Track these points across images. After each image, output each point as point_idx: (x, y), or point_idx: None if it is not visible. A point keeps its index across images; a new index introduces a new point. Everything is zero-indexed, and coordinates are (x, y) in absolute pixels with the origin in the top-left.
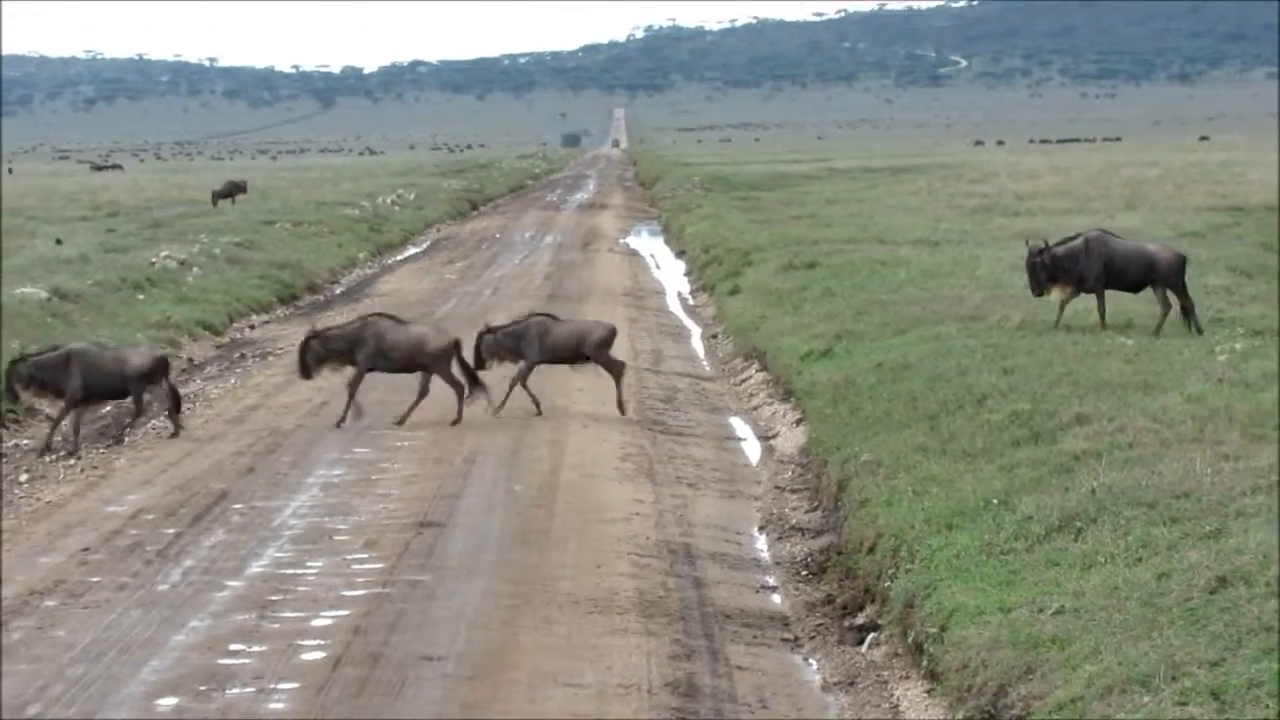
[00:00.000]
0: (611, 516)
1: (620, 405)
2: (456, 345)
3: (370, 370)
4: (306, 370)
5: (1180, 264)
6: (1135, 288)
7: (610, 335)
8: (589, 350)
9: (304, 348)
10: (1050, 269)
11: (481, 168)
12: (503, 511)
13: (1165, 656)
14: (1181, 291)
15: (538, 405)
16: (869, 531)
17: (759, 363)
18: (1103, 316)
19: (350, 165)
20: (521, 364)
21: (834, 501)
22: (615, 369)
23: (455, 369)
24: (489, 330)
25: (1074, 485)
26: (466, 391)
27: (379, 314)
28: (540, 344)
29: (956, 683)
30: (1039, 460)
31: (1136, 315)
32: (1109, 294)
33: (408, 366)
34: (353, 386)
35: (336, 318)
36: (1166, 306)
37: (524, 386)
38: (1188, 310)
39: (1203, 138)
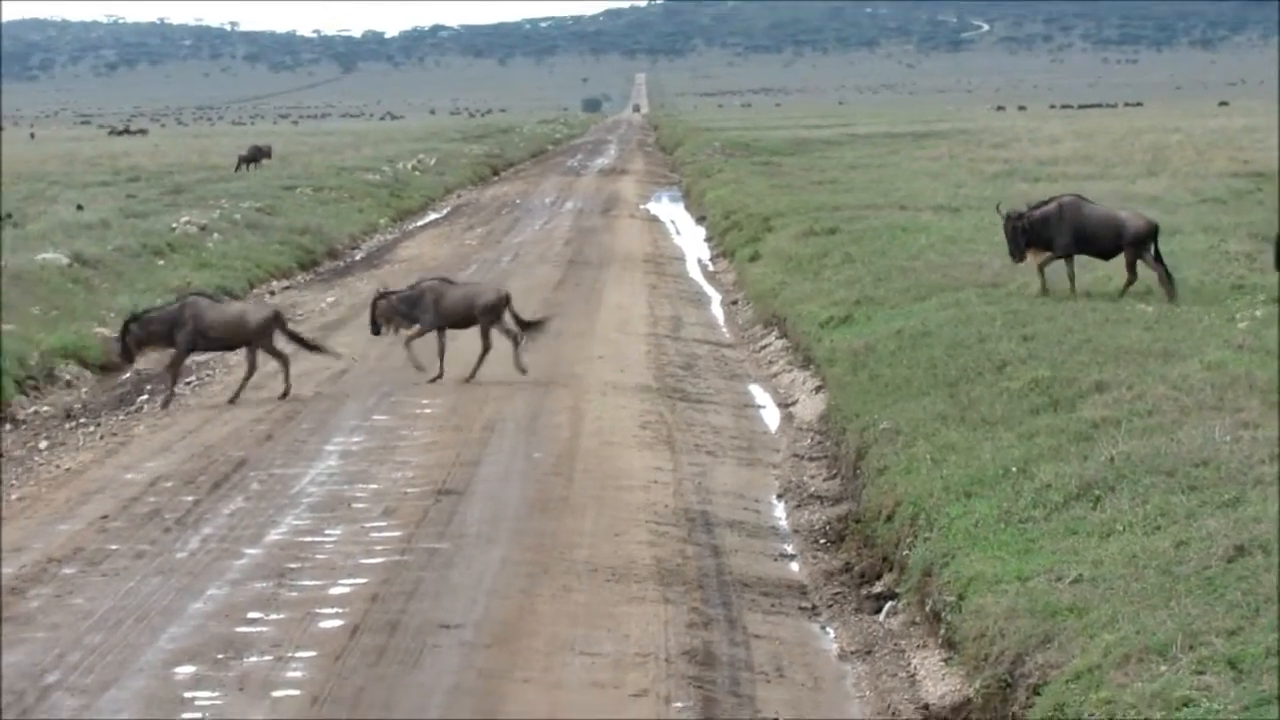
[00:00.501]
0: (630, 484)
1: (518, 364)
2: (277, 318)
3: (191, 350)
4: (127, 355)
5: (1151, 231)
6: (1107, 254)
7: (500, 300)
8: (477, 314)
9: (123, 331)
10: (1028, 234)
11: (503, 133)
12: (521, 479)
13: (1183, 625)
14: (1155, 259)
15: (432, 368)
16: (887, 499)
17: (779, 329)
18: (1072, 282)
19: (371, 130)
20: (415, 327)
21: (852, 469)
22: (511, 334)
23: (506, 321)
24: (383, 295)
25: (1093, 453)
26: (518, 341)
27: (197, 293)
28: (435, 309)
29: (974, 651)
30: (1058, 428)
31: (1155, 283)
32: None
33: (230, 344)
34: (173, 369)
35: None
36: (1134, 274)
37: (408, 349)
38: (1162, 278)
39: (1222, 103)
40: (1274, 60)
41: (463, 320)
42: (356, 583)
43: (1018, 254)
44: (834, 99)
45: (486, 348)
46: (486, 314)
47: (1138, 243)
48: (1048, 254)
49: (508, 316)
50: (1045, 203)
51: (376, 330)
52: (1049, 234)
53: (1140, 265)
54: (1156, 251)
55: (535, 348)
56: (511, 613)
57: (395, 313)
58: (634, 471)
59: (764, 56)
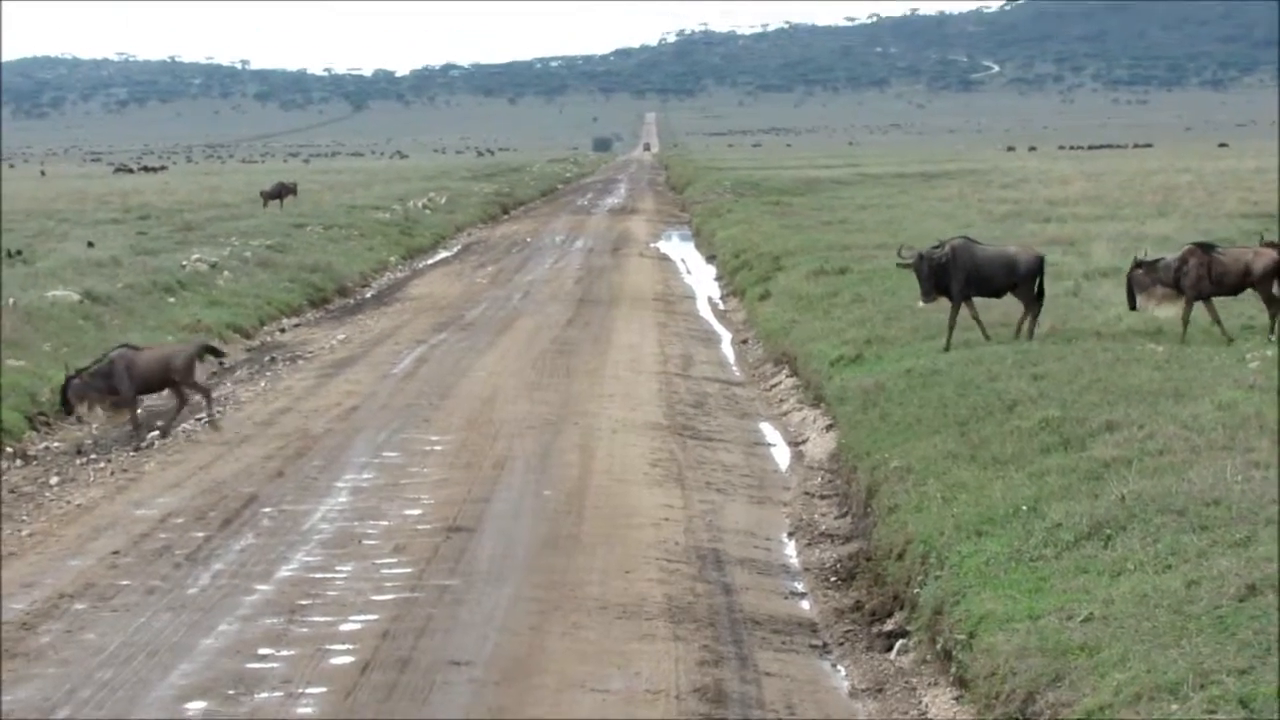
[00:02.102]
0: (641, 522)
1: (210, 421)
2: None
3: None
4: (69, 409)
5: (1039, 265)
6: (1000, 292)
7: (191, 358)
8: (175, 375)
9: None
10: (933, 275)
11: (513, 171)
12: (532, 516)
13: (1194, 664)
14: (1034, 294)
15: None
16: (898, 538)
17: (789, 368)
18: (951, 328)
19: (381, 168)
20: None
21: (863, 507)
22: (201, 391)
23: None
24: (72, 376)
25: (1104, 492)
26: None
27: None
28: (129, 376)
29: (985, 690)
30: (1069, 467)
31: (1166, 322)
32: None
33: (159, 385)
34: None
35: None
36: (1031, 303)
37: (133, 421)
38: (1033, 313)
39: (1222, 144)
40: None
41: (159, 383)
42: (367, 619)
43: (930, 295)
44: (844, 139)
45: (181, 403)
46: (180, 373)
47: (1028, 277)
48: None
49: (200, 373)
50: (938, 246)
51: (70, 412)
52: (945, 280)
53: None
54: (1040, 286)
55: (547, 386)
56: (522, 650)
57: (91, 389)
58: (644, 509)
59: (774, 96)
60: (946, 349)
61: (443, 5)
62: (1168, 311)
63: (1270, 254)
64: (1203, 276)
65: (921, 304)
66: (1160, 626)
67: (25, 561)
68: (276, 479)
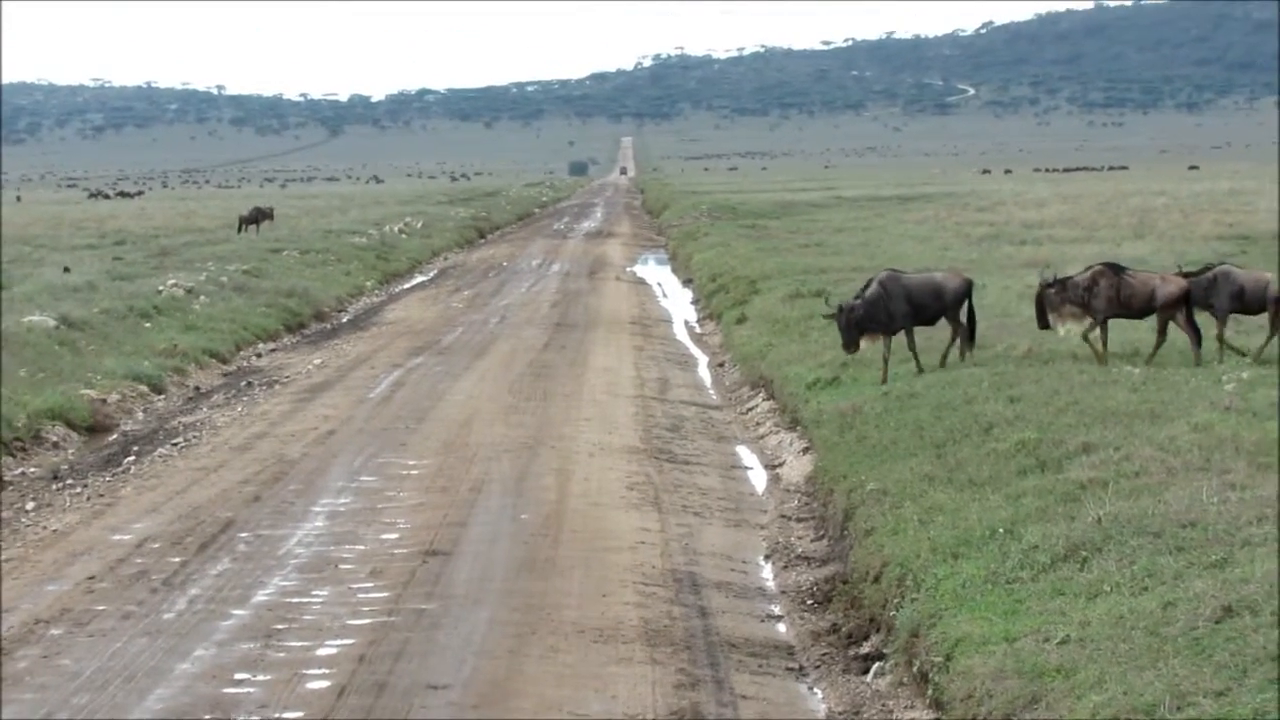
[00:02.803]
0: (617, 545)
1: None
2: None
3: None
4: None
5: (967, 289)
6: (934, 319)
7: None
8: None
9: None
10: (860, 323)
11: (489, 196)
12: (508, 540)
13: (1171, 686)
14: (965, 318)
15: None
16: (875, 560)
17: (765, 391)
18: (886, 360)
19: (358, 193)
20: None
21: (840, 530)
22: None
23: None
24: None
25: (1080, 514)
26: None
27: None
28: None
29: (962, 712)
30: (1045, 489)
31: (1143, 344)
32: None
33: None
34: None
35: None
36: (959, 328)
37: None
38: (963, 336)
39: (1192, 167)
40: (1260, 124)
41: None
42: (344, 644)
43: (852, 345)
44: (820, 162)
45: None
46: None
47: (956, 302)
48: (881, 336)
49: None
50: (865, 287)
51: None
52: (881, 316)
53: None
54: (970, 309)
55: (523, 409)
56: (499, 673)
57: None
58: (621, 533)
59: (750, 119)
60: (884, 381)
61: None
62: (1074, 329)
63: (1179, 282)
64: (1112, 298)
65: (847, 354)
66: (1137, 648)
67: (1, 587)
68: (253, 504)
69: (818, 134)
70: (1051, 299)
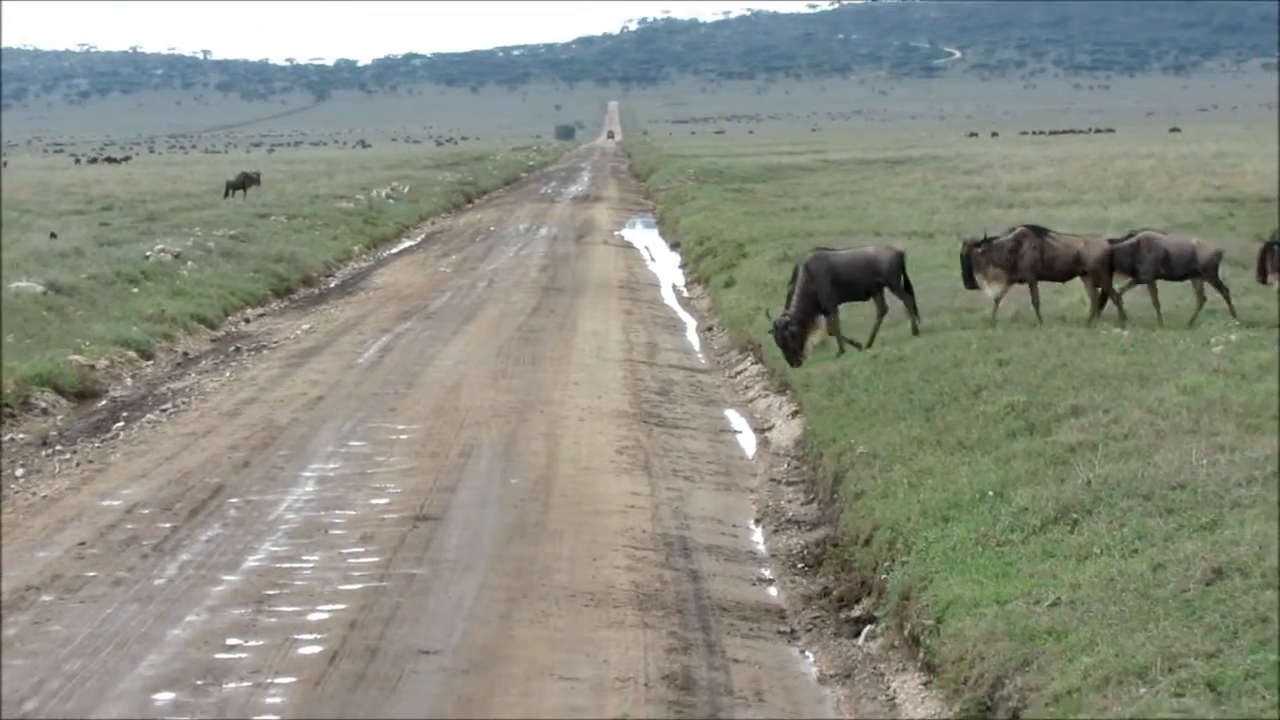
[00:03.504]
0: (608, 509)
1: None
2: None
3: None
4: None
5: (900, 261)
6: (868, 294)
7: None
8: None
9: None
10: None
11: (476, 160)
12: (498, 505)
13: (1162, 648)
14: (903, 289)
15: None
16: (865, 524)
17: (754, 355)
18: (840, 338)
19: (344, 158)
20: None
21: (830, 494)
22: None
23: None
24: None
25: (1069, 477)
26: None
27: None
28: None
29: (953, 674)
30: (1035, 452)
31: (1133, 307)
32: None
33: None
34: None
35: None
36: (884, 309)
37: None
38: (908, 307)
39: (1174, 129)
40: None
41: None
42: (335, 609)
43: (798, 357)
44: (807, 125)
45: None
46: None
47: (891, 275)
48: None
49: None
50: (792, 278)
51: None
52: (814, 297)
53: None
54: (906, 281)
55: (512, 374)
56: (490, 638)
57: None
58: (611, 497)
59: (737, 83)
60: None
61: None
62: (997, 290)
63: (1101, 245)
64: (1036, 260)
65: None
66: (1127, 610)
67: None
68: (243, 469)
69: (804, 97)
70: (978, 259)
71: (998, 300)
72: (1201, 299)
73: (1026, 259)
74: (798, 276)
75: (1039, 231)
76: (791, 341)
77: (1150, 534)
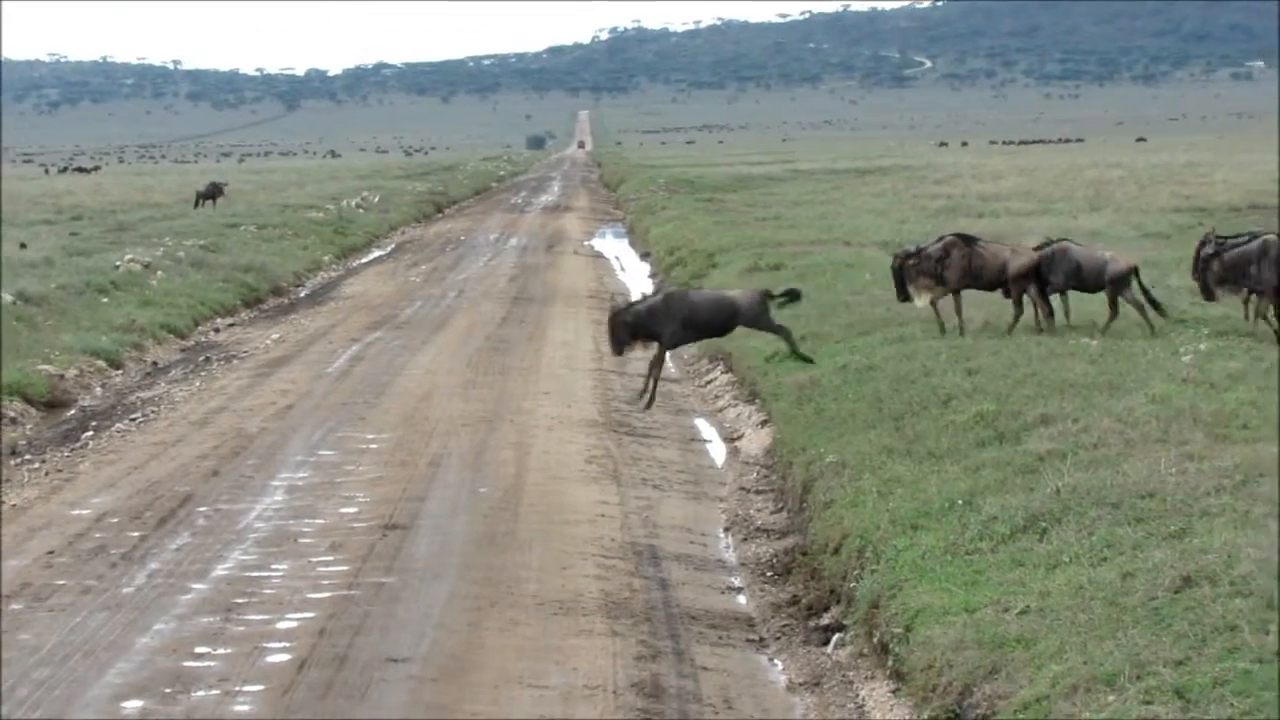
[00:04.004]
0: (577, 518)
1: None
2: None
3: None
4: None
5: (760, 300)
6: (721, 332)
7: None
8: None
9: None
10: (632, 328)
11: (446, 170)
12: (468, 514)
13: (1130, 655)
14: (773, 328)
15: None
16: (834, 532)
17: (724, 364)
18: (653, 384)
19: (314, 168)
20: None
21: (799, 503)
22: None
23: None
24: None
25: (1039, 485)
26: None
27: None
28: None
29: (922, 682)
30: (1004, 461)
31: (1099, 316)
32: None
33: None
34: None
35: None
36: (778, 329)
37: None
38: (784, 336)
39: (1140, 139)
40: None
41: None
42: (304, 617)
43: (620, 348)
44: (777, 135)
45: None
46: None
47: (754, 317)
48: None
49: None
50: (651, 295)
51: None
52: (656, 326)
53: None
54: (769, 322)
55: (482, 383)
56: (459, 646)
57: None
58: (580, 506)
59: (707, 93)
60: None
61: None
62: (926, 301)
63: (1028, 254)
64: (964, 270)
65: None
66: (1096, 618)
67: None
68: (212, 478)
69: (775, 107)
70: (909, 270)
71: (932, 303)
72: (1114, 311)
73: (954, 268)
74: (654, 297)
75: (967, 240)
76: (622, 330)
77: (1119, 542)
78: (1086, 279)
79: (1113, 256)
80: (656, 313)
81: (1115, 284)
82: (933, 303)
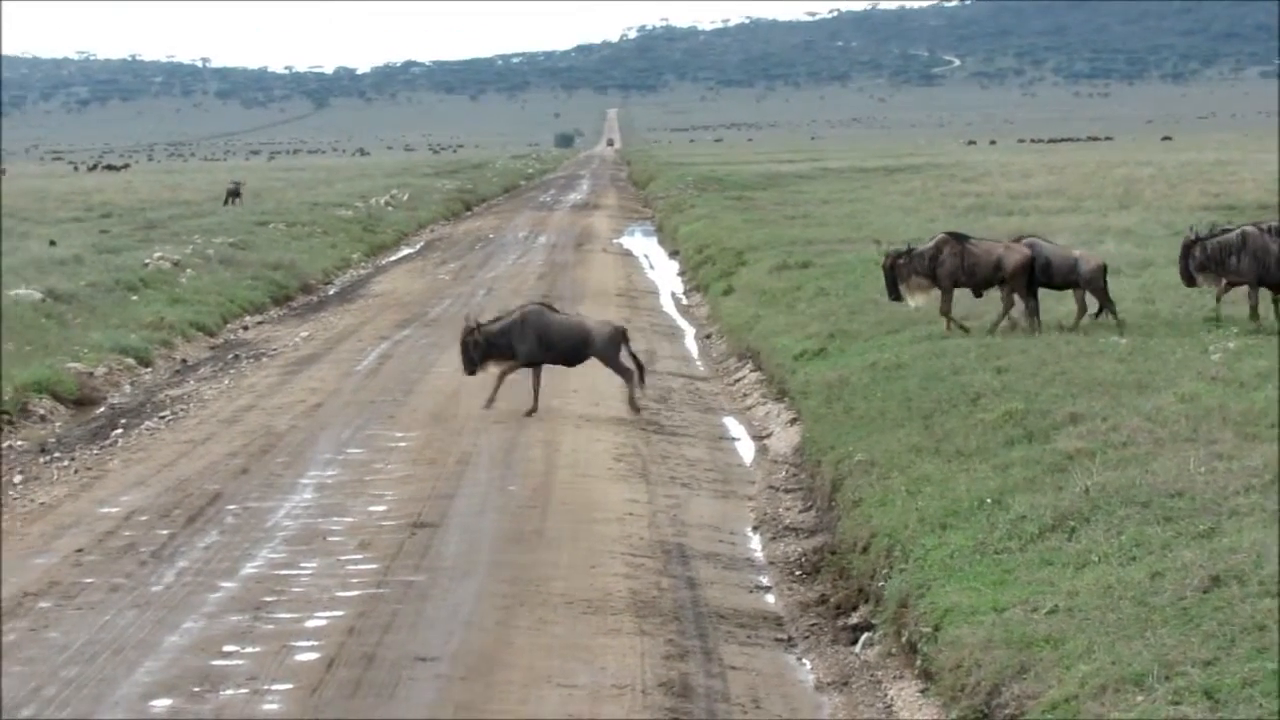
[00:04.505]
0: (605, 517)
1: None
2: None
3: None
4: None
5: (614, 338)
6: (573, 360)
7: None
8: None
9: None
10: (485, 348)
11: (475, 168)
12: (496, 512)
13: (1159, 656)
14: (621, 370)
15: None
16: (863, 531)
17: (753, 362)
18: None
19: (344, 166)
20: None
21: (828, 501)
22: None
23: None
24: None
25: (1068, 484)
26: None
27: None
28: None
29: (950, 682)
30: (1033, 460)
31: (1128, 314)
32: None
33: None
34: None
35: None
36: (626, 371)
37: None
38: (629, 380)
39: (1165, 138)
40: (1245, 94)
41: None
42: (332, 615)
43: (471, 367)
44: (806, 133)
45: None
46: None
47: (604, 349)
48: (507, 364)
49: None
50: (509, 314)
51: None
52: (512, 345)
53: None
54: (625, 358)
55: (511, 381)
56: (488, 645)
57: None
58: (609, 504)
59: (736, 91)
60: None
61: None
62: (920, 301)
63: (1021, 251)
64: (956, 267)
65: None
66: (1125, 618)
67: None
68: (241, 476)
69: (804, 105)
70: (901, 270)
71: (946, 313)
72: (1082, 308)
73: (946, 266)
74: (510, 317)
75: (959, 238)
76: (473, 350)
77: (1148, 542)
78: (1055, 275)
79: (1082, 255)
80: (512, 331)
81: (1088, 282)
82: (944, 313)
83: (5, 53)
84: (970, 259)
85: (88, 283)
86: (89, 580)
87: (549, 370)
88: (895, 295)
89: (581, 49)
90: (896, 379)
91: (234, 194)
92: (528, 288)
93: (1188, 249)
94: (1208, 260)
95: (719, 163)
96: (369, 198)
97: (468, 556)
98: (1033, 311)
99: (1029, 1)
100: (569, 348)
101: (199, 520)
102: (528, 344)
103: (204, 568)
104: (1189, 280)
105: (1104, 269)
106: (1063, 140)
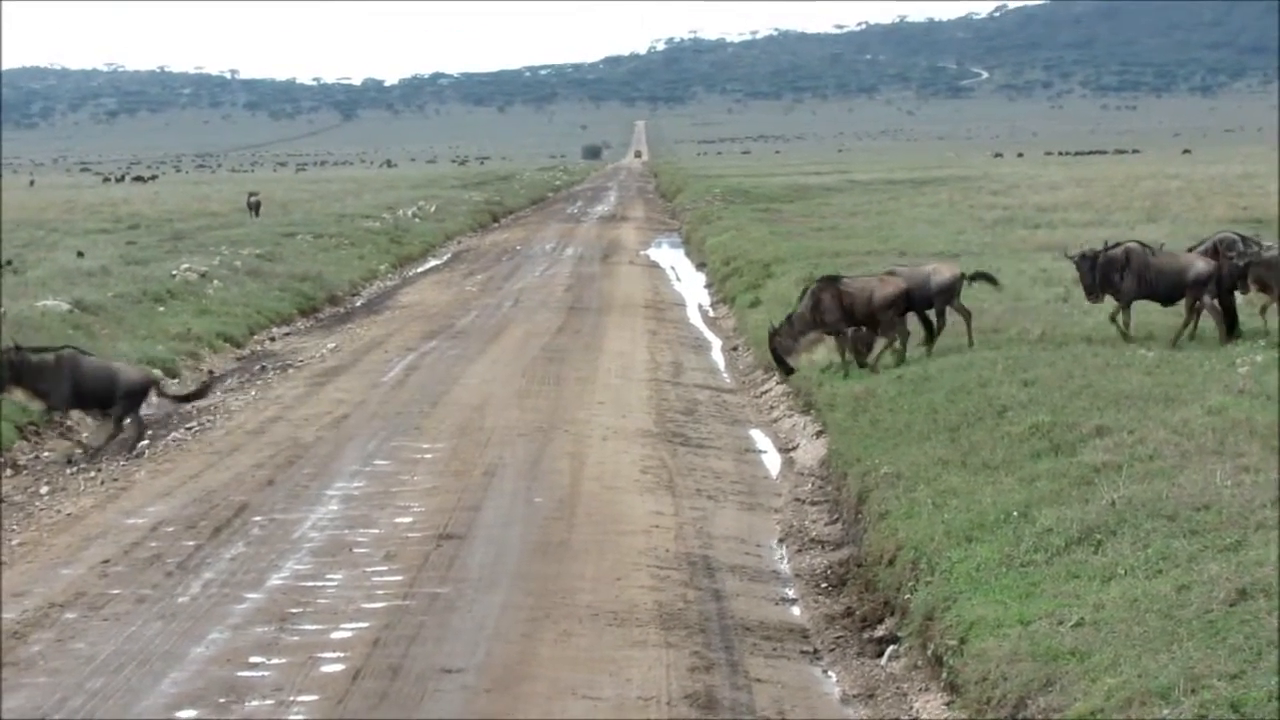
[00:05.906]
0: (631, 529)
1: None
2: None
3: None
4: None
5: (144, 385)
6: (105, 404)
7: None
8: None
9: None
10: (17, 371)
11: (502, 179)
12: (522, 524)
13: (1185, 669)
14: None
15: None
16: (889, 544)
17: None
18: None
19: (371, 177)
20: None
21: (854, 514)
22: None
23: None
24: None
25: (1094, 497)
26: None
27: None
28: None
29: (976, 695)
30: (1059, 472)
31: (1156, 328)
32: None
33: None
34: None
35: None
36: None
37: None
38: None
39: (1185, 151)
40: (1273, 107)
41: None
42: (358, 627)
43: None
44: (833, 145)
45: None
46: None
47: (129, 398)
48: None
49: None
50: (43, 349)
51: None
52: (44, 386)
53: None
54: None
55: (537, 393)
56: (513, 657)
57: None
58: (635, 516)
59: (763, 103)
60: None
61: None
62: (820, 353)
63: (895, 283)
64: (836, 311)
65: None
66: (1151, 631)
67: (16, 571)
68: (267, 487)
69: (831, 118)
70: (783, 343)
71: (842, 355)
72: (941, 322)
73: (833, 312)
74: (49, 356)
75: (832, 280)
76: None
77: (1174, 555)
78: (915, 296)
79: (935, 269)
80: (45, 370)
81: (941, 295)
82: (840, 351)
83: (35, 64)
84: (848, 299)
85: (115, 294)
86: (115, 591)
87: (575, 382)
88: (788, 370)
89: (610, 61)
90: (923, 392)
91: (254, 205)
92: (555, 299)
93: (1089, 263)
94: (1101, 277)
95: (746, 175)
96: (396, 209)
97: (493, 568)
98: (901, 339)
99: (1057, 10)
100: (100, 392)
101: (225, 531)
102: (62, 388)
103: (230, 579)
104: (1090, 295)
105: (959, 280)
106: (1090, 153)
